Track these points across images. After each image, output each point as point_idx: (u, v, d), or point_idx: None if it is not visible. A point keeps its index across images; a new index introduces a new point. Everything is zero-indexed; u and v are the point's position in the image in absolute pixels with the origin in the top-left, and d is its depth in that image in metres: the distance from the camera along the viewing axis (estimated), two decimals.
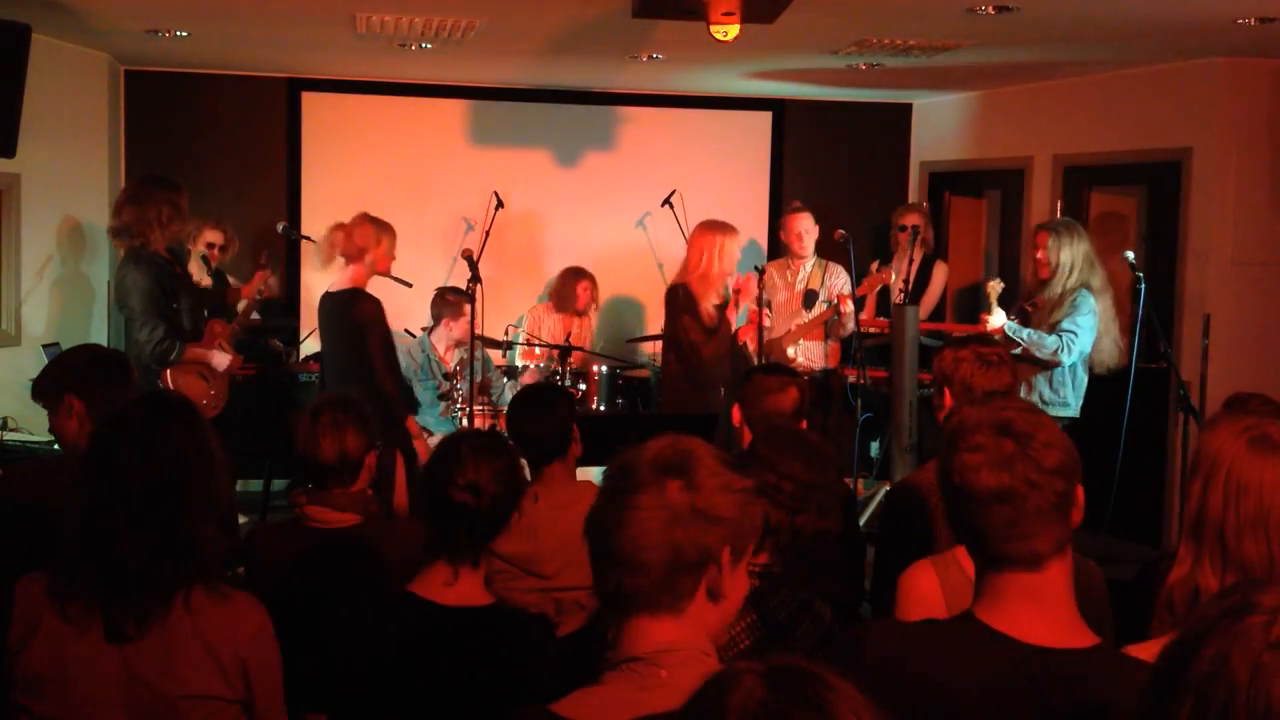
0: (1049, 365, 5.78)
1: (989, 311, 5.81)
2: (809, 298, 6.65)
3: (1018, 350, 5.65)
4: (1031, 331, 5.75)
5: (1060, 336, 5.71)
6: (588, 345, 7.51)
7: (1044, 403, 5.79)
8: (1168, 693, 1.32)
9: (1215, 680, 1.27)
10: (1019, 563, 1.76)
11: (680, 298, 6.10)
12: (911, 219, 7.41)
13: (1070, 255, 5.79)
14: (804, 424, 3.76)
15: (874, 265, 7.74)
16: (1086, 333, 5.75)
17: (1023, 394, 5.66)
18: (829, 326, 6.64)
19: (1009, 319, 5.82)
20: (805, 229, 6.66)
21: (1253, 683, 1.25)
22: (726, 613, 1.71)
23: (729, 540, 1.67)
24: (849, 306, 6.44)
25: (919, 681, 1.78)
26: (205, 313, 5.98)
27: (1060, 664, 1.74)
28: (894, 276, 6.57)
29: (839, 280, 6.67)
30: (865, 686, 1.23)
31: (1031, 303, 5.93)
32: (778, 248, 8.17)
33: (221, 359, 5.83)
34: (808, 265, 6.71)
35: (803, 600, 2.53)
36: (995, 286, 5.89)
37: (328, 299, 5.56)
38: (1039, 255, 5.86)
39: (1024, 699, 1.73)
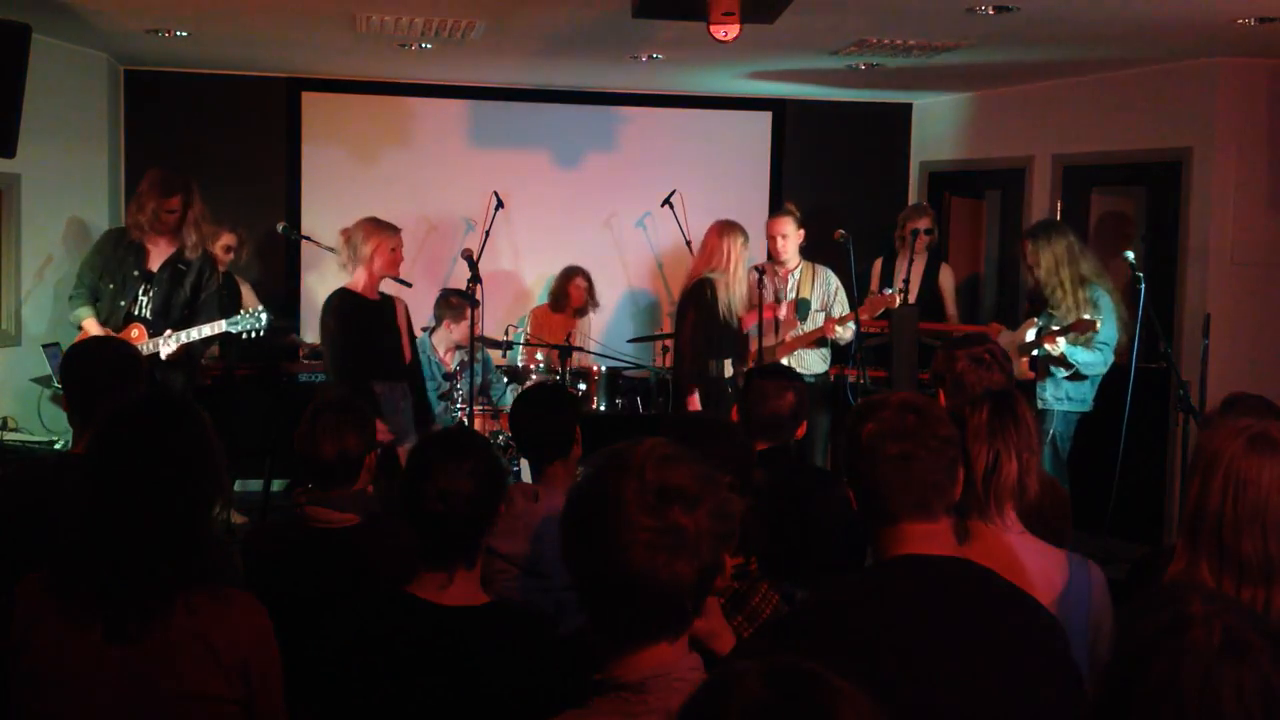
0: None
1: (1054, 338, 5.85)
2: (802, 307, 6.51)
3: (1069, 373, 5.87)
4: (1085, 353, 5.85)
5: (1099, 351, 5.89)
6: (589, 345, 7.51)
7: (1070, 399, 5.99)
8: (1116, 705, 1.38)
9: (1167, 691, 1.36)
10: (915, 516, 2.03)
11: (695, 294, 6.06)
12: (923, 223, 7.39)
13: (1050, 255, 5.89)
14: (803, 426, 3.76)
15: (874, 267, 7.74)
16: (1113, 339, 5.94)
17: (1051, 390, 5.96)
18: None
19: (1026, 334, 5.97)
20: (782, 233, 6.45)
21: (1204, 692, 1.35)
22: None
23: (728, 547, 1.68)
24: (835, 333, 6.36)
25: (851, 622, 1.97)
26: (142, 304, 5.74)
27: (951, 563, 2.04)
28: (899, 299, 6.44)
29: (829, 286, 6.54)
30: (809, 654, 1.27)
31: (1037, 308, 6.02)
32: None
33: None
34: (795, 273, 6.54)
35: (784, 593, 2.53)
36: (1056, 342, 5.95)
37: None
38: (1028, 260, 6.01)
39: (931, 591, 2.00)
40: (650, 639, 1.64)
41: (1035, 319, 6.07)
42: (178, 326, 5.70)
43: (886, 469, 2.02)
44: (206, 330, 5.75)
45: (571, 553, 1.67)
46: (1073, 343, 5.85)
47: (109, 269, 5.67)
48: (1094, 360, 5.88)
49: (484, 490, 2.41)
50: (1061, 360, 5.85)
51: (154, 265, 5.73)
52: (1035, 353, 5.95)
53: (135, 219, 5.71)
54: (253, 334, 5.82)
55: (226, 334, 5.88)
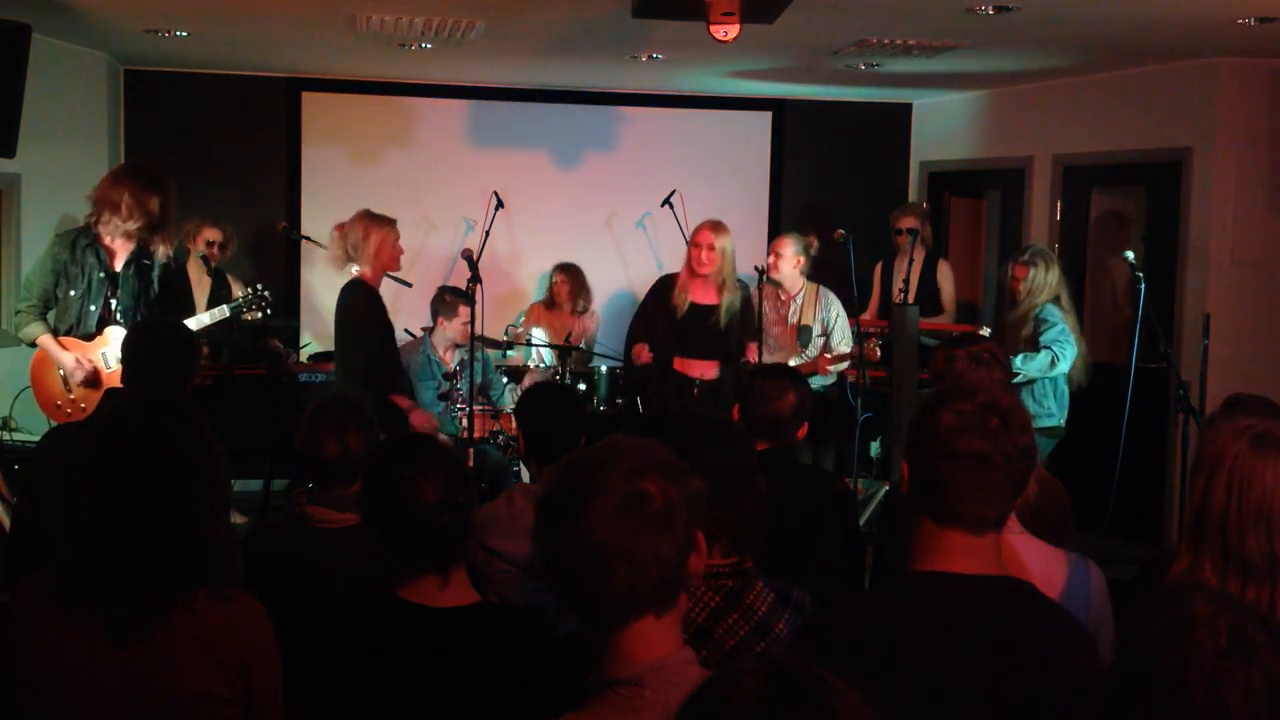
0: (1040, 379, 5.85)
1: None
2: (804, 334, 6.39)
3: (1017, 379, 5.70)
4: (1018, 358, 5.72)
5: (1050, 349, 5.76)
6: (590, 345, 7.51)
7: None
8: (1124, 706, 1.37)
9: (1174, 691, 1.36)
10: (966, 523, 1.95)
11: (655, 284, 6.27)
12: (908, 221, 7.42)
13: (1045, 281, 5.89)
14: (804, 427, 3.76)
15: (875, 271, 7.72)
16: (1070, 339, 5.82)
17: None
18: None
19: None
20: (781, 253, 6.36)
21: (1211, 691, 1.35)
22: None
23: (699, 525, 1.67)
24: (827, 373, 6.24)
25: (882, 636, 1.93)
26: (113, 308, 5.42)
27: (993, 584, 1.97)
28: (878, 354, 6.22)
29: (830, 313, 6.40)
30: (838, 667, 1.25)
31: (998, 331, 6.01)
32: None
33: (69, 362, 5.25)
34: (798, 298, 6.43)
35: (780, 591, 2.53)
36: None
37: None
38: (1019, 288, 5.94)
39: (971, 615, 1.94)
40: (636, 613, 1.63)
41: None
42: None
43: (955, 466, 1.94)
44: (206, 319, 5.59)
45: (543, 540, 1.66)
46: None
47: (69, 274, 5.32)
48: (1031, 363, 5.74)
49: (468, 486, 2.45)
50: None
51: (118, 265, 5.39)
52: None
53: (118, 210, 5.24)
54: (259, 312, 5.65)
55: (225, 333, 5.78)
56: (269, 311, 5.77)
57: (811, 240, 6.50)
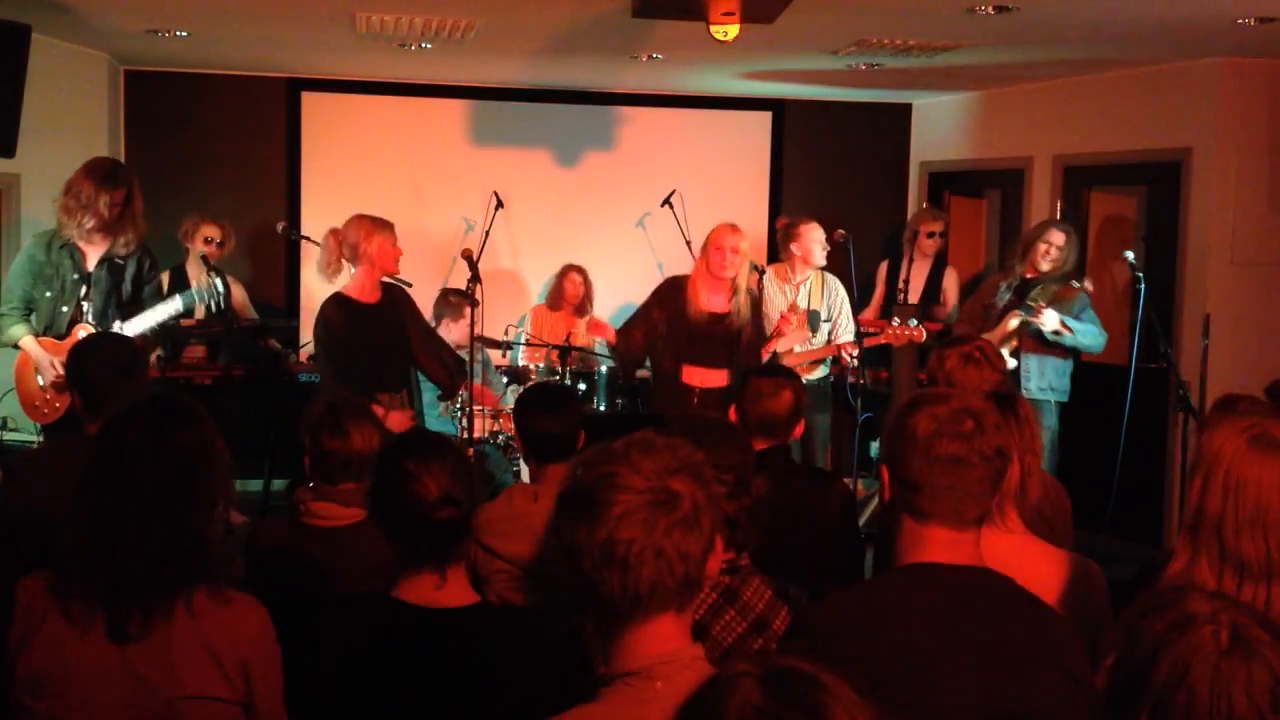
0: (1080, 350, 6.19)
1: (1040, 308, 6.05)
2: (813, 319, 6.38)
3: (1069, 337, 6.03)
4: (1081, 325, 6.06)
5: (1093, 324, 6.16)
6: (588, 345, 7.50)
7: (1053, 389, 6.21)
8: (1123, 705, 1.38)
9: (1175, 690, 1.37)
10: (945, 520, 2.01)
11: (662, 286, 5.86)
12: (938, 226, 7.52)
13: (1075, 255, 6.30)
14: (801, 425, 3.76)
15: (879, 270, 7.74)
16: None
17: (1035, 380, 6.17)
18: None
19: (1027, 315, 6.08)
20: (821, 241, 6.40)
21: (1214, 689, 1.35)
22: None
23: (719, 528, 1.69)
24: (848, 356, 6.21)
25: (868, 627, 1.97)
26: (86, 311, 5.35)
27: (975, 574, 2.04)
28: (924, 336, 6.04)
29: (837, 297, 6.43)
30: (828, 660, 1.26)
31: (1034, 299, 6.14)
32: (777, 250, 8.16)
33: (45, 363, 5.19)
34: (806, 284, 6.44)
35: (777, 588, 2.54)
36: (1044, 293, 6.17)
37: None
38: (1052, 253, 6.23)
39: (954, 602, 1.99)
40: (656, 610, 1.64)
41: (1017, 310, 6.09)
42: (125, 320, 5.34)
43: (933, 468, 1.99)
44: (162, 313, 5.41)
45: (569, 530, 1.66)
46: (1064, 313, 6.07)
47: (44, 275, 5.29)
48: (1090, 332, 6.07)
49: (473, 483, 2.44)
50: (1058, 331, 6.00)
51: (90, 265, 5.34)
52: (1028, 329, 6.08)
53: (72, 213, 5.21)
54: (213, 305, 5.49)
55: (224, 333, 5.71)
56: (221, 305, 5.63)
57: (837, 233, 6.46)
